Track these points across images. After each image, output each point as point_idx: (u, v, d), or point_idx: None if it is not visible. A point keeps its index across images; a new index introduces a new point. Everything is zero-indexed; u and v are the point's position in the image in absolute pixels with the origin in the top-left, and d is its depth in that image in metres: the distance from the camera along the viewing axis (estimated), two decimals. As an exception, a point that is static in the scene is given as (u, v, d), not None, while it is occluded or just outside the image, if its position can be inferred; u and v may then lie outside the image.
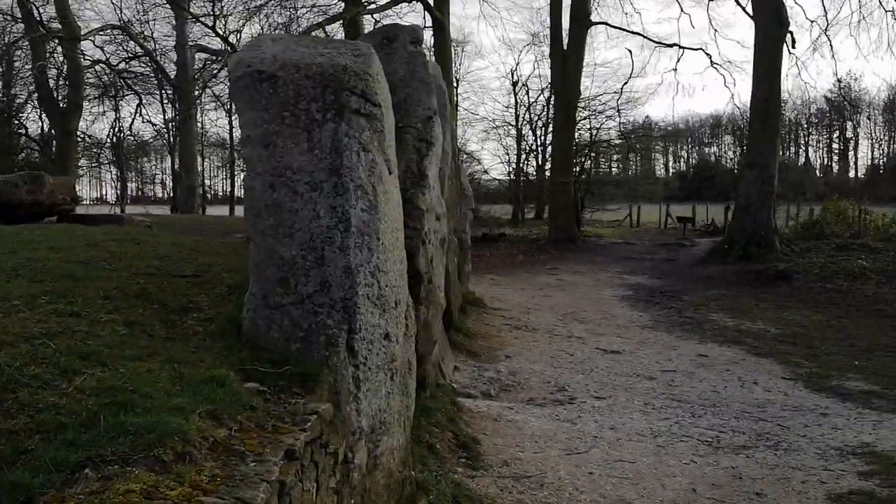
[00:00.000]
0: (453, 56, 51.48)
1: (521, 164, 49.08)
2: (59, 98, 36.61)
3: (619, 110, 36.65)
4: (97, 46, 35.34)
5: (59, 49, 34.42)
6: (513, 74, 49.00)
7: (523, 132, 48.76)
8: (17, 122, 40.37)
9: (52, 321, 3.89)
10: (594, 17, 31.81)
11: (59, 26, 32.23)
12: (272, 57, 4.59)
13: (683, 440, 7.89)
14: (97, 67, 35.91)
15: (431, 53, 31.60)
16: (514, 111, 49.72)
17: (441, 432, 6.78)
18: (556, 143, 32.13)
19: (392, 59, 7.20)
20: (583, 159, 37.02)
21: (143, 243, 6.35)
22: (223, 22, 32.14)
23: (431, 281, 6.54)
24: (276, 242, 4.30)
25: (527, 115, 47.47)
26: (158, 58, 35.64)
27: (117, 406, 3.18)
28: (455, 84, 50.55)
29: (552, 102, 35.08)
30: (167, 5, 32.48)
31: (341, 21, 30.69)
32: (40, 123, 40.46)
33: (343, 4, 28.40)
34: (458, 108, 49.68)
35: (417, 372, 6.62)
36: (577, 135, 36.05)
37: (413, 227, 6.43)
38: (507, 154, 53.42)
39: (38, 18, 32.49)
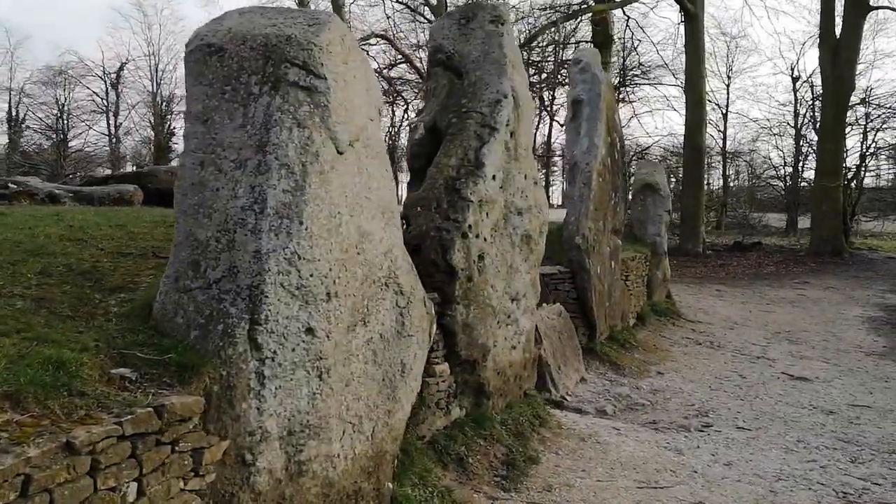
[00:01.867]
0: (727, 52, 48.49)
1: (798, 169, 45.15)
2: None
3: (910, 106, 32.13)
4: (370, 56, 37.52)
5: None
6: (793, 70, 44.96)
7: (803, 133, 44.65)
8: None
9: (-46, 292, 3.94)
10: (875, 2, 28.19)
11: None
12: (227, 29, 4.36)
13: (813, 489, 6.56)
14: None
15: (683, 46, 29.92)
16: (792, 110, 45.78)
17: (488, 446, 6.15)
18: (821, 144, 28.86)
19: (468, 39, 6.68)
20: (859, 161, 33.15)
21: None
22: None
23: (472, 279, 5.92)
24: (196, 223, 4.04)
25: (808, 114, 43.33)
26: (419, 64, 36.93)
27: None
28: (726, 81, 47.57)
29: (819, 99, 31.66)
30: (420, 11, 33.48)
31: (590, 17, 30.03)
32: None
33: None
34: (729, 109, 46.74)
35: (469, 378, 6.09)
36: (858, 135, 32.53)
37: (453, 218, 5.87)
38: (783, 157, 49.37)
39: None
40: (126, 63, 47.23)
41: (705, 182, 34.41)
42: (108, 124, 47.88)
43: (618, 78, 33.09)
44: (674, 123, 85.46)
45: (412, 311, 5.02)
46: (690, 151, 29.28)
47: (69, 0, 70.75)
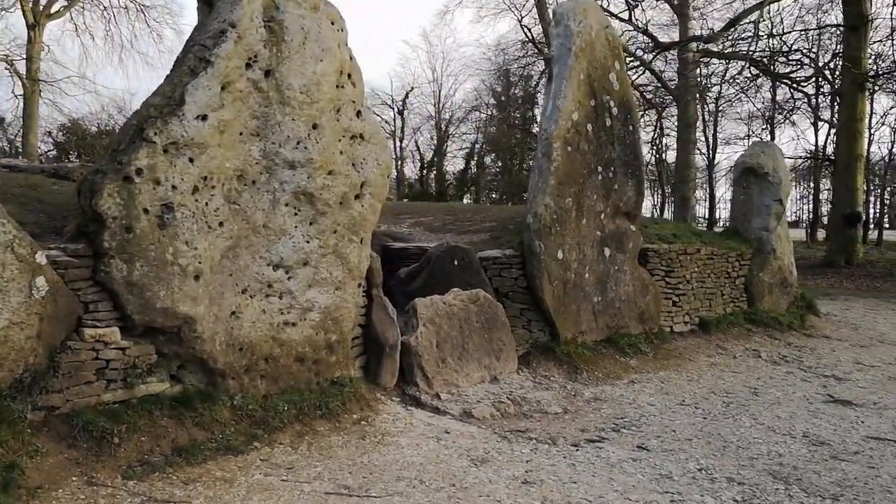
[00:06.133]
0: None
1: None
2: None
3: None
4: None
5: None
6: None
7: None
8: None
9: None
10: None
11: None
12: None
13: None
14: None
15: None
16: None
17: (172, 428, 5.30)
18: None
19: (224, -29, 5.90)
20: None
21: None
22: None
23: (134, 231, 5.04)
24: None
25: None
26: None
27: None
28: None
29: None
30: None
31: None
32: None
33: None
34: None
35: (179, 351, 5.42)
36: None
37: (118, 160, 5.13)
38: None
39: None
40: (411, 90, 50.56)
41: None
42: (395, 147, 51.37)
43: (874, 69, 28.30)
44: None
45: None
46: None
47: (370, 40, 77.09)
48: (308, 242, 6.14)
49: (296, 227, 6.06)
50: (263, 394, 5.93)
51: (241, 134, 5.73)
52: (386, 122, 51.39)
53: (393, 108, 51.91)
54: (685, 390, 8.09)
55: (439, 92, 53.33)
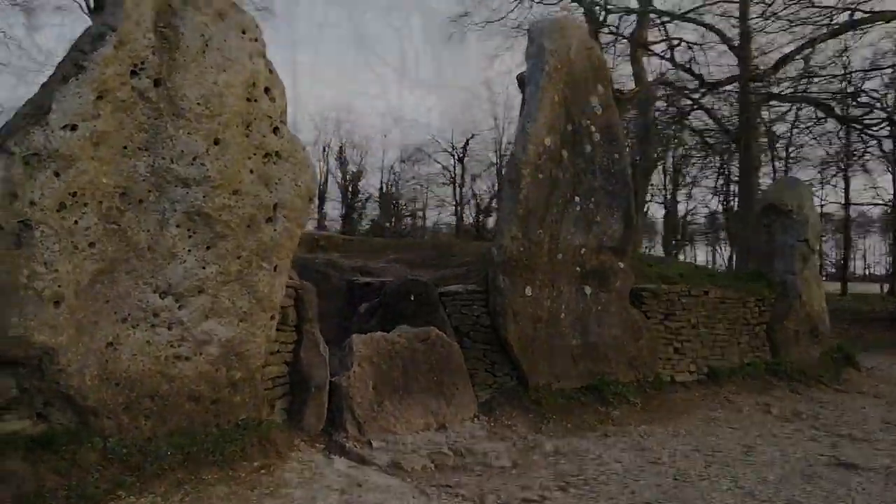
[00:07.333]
0: None
1: None
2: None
3: None
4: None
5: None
6: None
7: None
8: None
9: None
10: None
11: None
12: None
13: None
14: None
15: None
16: None
17: (17, 475, 4.72)
18: None
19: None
20: None
21: None
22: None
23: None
24: None
25: None
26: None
27: None
28: None
29: None
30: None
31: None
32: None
33: None
34: None
35: (41, 385, 4.84)
36: None
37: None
38: None
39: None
40: (472, 137, 50.07)
41: None
42: (454, 193, 51.10)
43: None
44: None
45: None
46: None
47: (433, 89, 77.33)
48: (204, 268, 5.55)
49: (189, 250, 5.49)
50: (147, 436, 5.31)
51: (125, 148, 5.22)
52: (446, 169, 51.16)
53: (454, 156, 51.59)
54: (666, 446, 7.15)
55: (501, 139, 52.77)
